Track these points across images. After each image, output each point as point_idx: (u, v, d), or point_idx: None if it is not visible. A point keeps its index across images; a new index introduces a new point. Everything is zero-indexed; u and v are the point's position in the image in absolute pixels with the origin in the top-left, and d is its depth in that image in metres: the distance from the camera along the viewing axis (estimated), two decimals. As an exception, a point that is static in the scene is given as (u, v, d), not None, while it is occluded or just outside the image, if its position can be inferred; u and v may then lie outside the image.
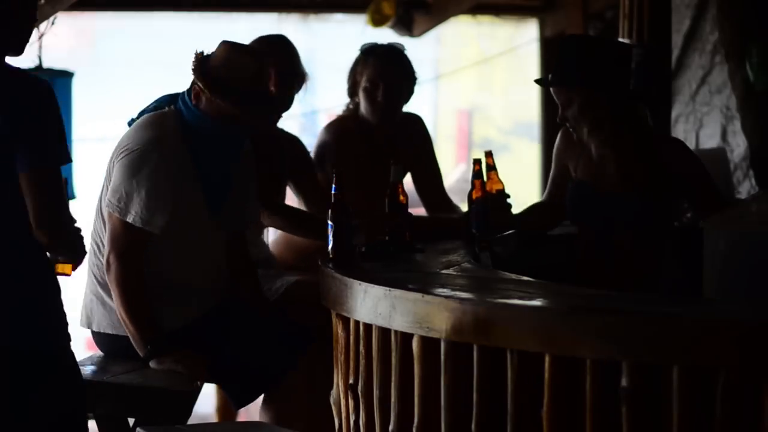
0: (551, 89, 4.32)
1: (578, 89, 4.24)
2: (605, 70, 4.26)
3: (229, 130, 4.03)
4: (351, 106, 5.06)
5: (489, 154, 4.35)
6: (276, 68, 4.56)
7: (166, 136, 4.01)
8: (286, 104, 4.66)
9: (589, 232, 4.37)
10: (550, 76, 4.34)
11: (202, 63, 3.97)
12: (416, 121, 5.22)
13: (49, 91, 3.19)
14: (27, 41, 3.27)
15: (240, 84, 3.95)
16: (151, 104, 4.18)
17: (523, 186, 8.28)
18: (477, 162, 4.31)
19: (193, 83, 4.01)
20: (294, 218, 4.64)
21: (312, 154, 5.01)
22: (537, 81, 4.73)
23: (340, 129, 5.07)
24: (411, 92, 5.07)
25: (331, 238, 3.98)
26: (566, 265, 4.57)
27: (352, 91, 5.03)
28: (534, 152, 8.31)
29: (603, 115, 4.27)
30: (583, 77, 4.25)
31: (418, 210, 5.16)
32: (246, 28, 7.57)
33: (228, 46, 3.98)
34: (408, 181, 5.17)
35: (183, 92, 4.08)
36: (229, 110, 3.96)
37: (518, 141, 8.86)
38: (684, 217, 5.32)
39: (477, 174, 4.31)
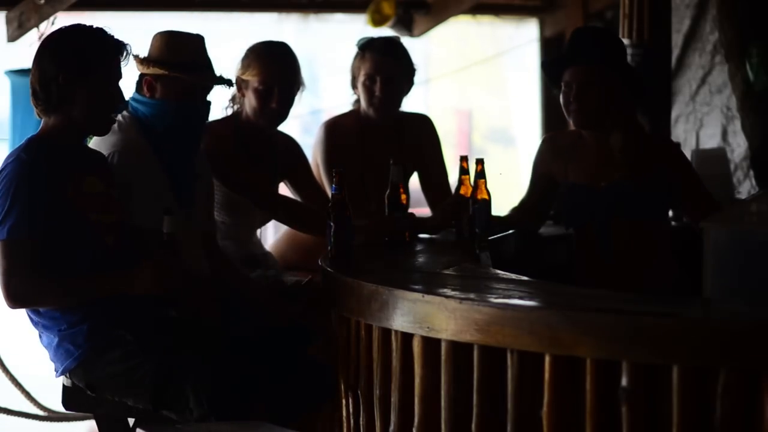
0: (574, 67, 4.28)
1: (610, 72, 4.24)
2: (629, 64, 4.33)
3: (190, 110, 4.09)
4: (355, 100, 5.07)
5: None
6: (279, 86, 4.58)
7: (128, 138, 4.02)
8: (285, 117, 4.68)
9: (588, 233, 4.37)
10: (576, 52, 4.32)
11: (143, 60, 4.08)
12: (425, 121, 5.22)
13: None
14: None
15: (188, 57, 4.06)
16: None
17: (522, 185, 8.28)
18: (480, 162, 4.31)
19: (142, 77, 4.08)
20: (291, 208, 4.63)
21: (309, 153, 5.02)
22: (568, 55, 4.41)
23: (333, 128, 5.07)
24: (411, 84, 5.06)
25: (331, 237, 3.98)
26: (566, 265, 4.58)
27: (353, 85, 5.04)
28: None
29: (621, 105, 4.28)
30: (620, 62, 4.28)
31: (421, 210, 5.16)
32: (246, 28, 7.57)
33: (160, 34, 4.09)
34: (414, 180, 5.18)
35: (130, 99, 4.12)
36: (188, 84, 4.04)
37: (519, 140, 8.86)
38: (684, 216, 5.33)
39: (480, 174, 4.31)
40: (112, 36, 3.78)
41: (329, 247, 3.99)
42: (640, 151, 4.31)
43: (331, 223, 3.96)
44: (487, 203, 4.29)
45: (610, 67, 4.25)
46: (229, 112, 4.72)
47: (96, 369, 3.73)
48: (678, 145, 4.47)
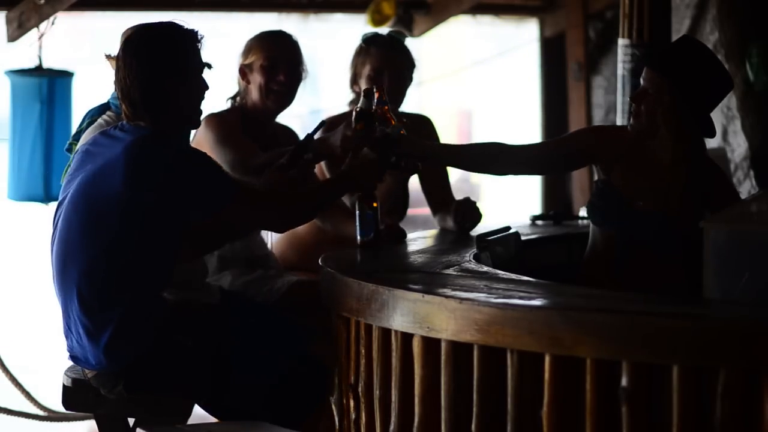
0: (647, 69, 4.14)
1: (680, 86, 4.06)
2: (710, 85, 4.13)
3: None
4: (351, 100, 5.06)
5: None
6: (285, 59, 4.60)
7: None
8: (292, 95, 4.69)
9: (608, 238, 4.23)
10: (655, 55, 4.21)
11: None
12: (425, 121, 5.21)
13: None
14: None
15: None
16: (84, 121, 4.23)
17: (523, 185, 8.28)
18: (379, 89, 4.29)
19: None
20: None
21: None
22: (647, 57, 4.30)
23: (332, 128, 5.07)
24: (411, 80, 5.07)
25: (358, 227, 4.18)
26: (566, 265, 4.57)
27: (354, 82, 5.01)
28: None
29: (685, 125, 4.12)
30: (696, 79, 4.09)
31: (421, 210, 5.15)
32: (246, 27, 7.57)
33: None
34: (413, 181, 5.17)
35: (110, 99, 4.18)
36: None
37: (518, 141, 8.86)
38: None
39: (381, 101, 4.27)
40: (187, 28, 3.79)
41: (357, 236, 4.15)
42: (690, 180, 4.16)
43: (359, 213, 4.12)
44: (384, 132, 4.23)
45: (674, 81, 4.07)
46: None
47: (158, 367, 3.74)
48: (722, 171, 4.30)
